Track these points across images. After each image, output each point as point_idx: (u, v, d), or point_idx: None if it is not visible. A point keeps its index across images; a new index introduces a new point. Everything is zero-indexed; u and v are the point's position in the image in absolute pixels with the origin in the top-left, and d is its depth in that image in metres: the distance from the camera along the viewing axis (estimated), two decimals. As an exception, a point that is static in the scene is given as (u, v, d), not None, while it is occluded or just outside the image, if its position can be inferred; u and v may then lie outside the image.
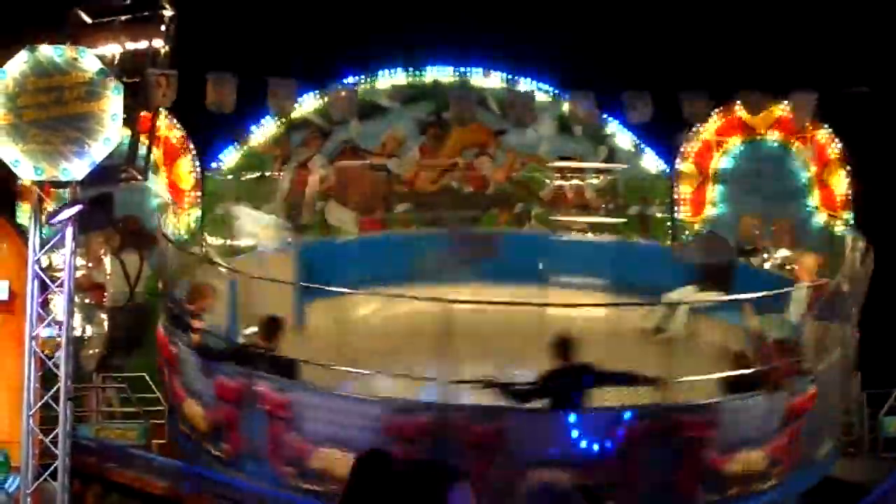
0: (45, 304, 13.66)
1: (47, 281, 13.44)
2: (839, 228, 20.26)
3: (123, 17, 13.83)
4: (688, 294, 18.13)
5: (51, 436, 13.30)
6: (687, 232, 21.37)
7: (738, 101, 20.18)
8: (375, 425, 13.52)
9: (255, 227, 20.00)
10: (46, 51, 13.11)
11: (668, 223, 21.66)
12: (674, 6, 21.54)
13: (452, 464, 5.67)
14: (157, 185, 20.36)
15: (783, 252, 19.78)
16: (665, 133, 21.11)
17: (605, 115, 21.36)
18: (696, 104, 14.25)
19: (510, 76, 21.27)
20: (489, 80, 21.32)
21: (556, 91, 21.13)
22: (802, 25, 20.89)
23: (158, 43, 13.89)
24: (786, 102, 19.73)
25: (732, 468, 14.23)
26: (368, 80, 21.23)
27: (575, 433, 13.63)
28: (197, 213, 20.67)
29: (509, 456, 13.25)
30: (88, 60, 13.10)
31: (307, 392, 14.26)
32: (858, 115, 13.97)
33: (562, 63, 20.44)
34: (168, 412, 16.94)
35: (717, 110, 20.82)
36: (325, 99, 20.99)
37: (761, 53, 20.24)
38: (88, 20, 13.68)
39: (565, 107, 21.08)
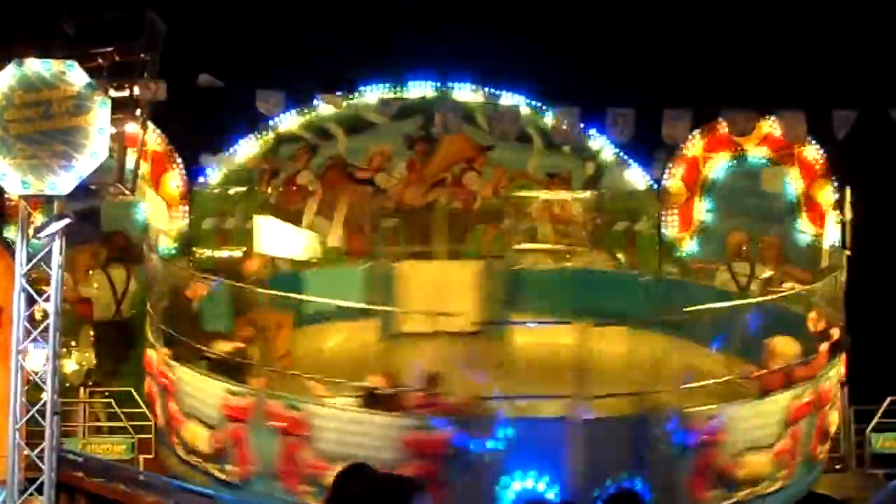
0: (31, 318, 13.61)
1: (34, 295, 13.40)
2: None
3: (112, 31, 13.81)
4: None
5: (37, 450, 13.25)
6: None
7: (723, 120, 20.17)
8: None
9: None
10: (34, 64, 13.08)
11: (656, 239, 21.66)
12: (660, 24, 21.61)
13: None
14: (144, 200, 20.38)
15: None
16: (652, 149, 21.12)
17: (592, 132, 21.41)
18: (677, 124, 14.25)
19: (497, 91, 21.24)
20: (477, 96, 21.29)
21: (542, 106, 21.08)
22: (788, 43, 20.97)
23: (147, 57, 13.87)
24: (772, 119, 19.75)
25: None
26: (356, 94, 21.19)
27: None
28: (184, 227, 20.65)
29: None
30: (76, 74, 13.07)
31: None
32: (846, 132, 14.01)
33: (548, 79, 20.46)
34: (156, 432, 17.12)
35: (703, 127, 20.84)
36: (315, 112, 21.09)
37: (747, 71, 20.30)
38: (76, 34, 13.66)
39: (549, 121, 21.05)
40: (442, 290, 19.73)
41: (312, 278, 20.23)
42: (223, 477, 15.71)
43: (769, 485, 15.22)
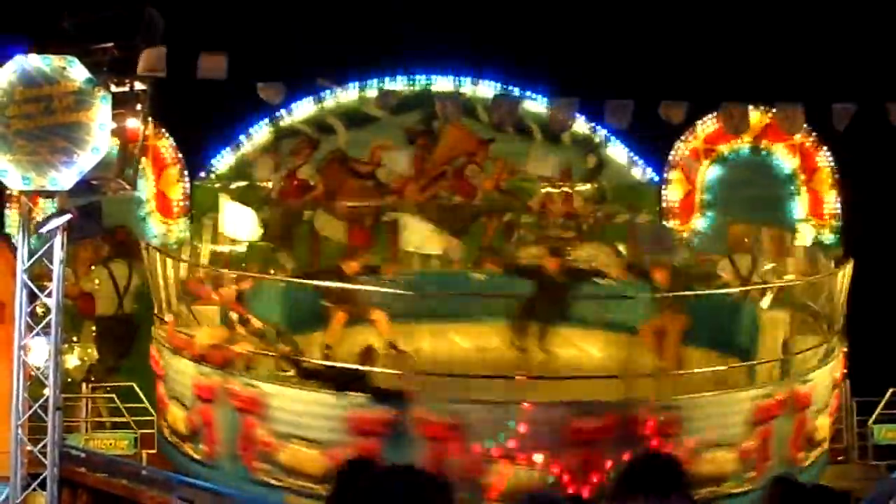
0: (33, 313, 13.63)
1: (36, 291, 13.41)
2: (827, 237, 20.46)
3: (112, 28, 13.80)
4: None
5: (39, 445, 13.28)
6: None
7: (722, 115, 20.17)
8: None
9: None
10: (35, 60, 13.08)
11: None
12: (662, 17, 21.59)
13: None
14: (146, 195, 20.45)
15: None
16: (653, 142, 21.12)
17: (594, 125, 21.41)
18: (674, 111, 14.25)
19: (500, 84, 21.24)
20: (478, 89, 21.29)
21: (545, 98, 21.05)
22: (789, 36, 20.95)
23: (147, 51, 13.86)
24: (773, 111, 19.74)
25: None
26: (357, 88, 21.19)
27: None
28: (186, 221, 20.70)
29: None
30: (76, 70, 13.07)
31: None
32: (846, 125, 14.02)
33: (549, 71, 20.44)
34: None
35: (704, 119, 20.88)
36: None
37: (747, 64, 20.28)
38: (77, 30, 13.65)
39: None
40: None
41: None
42: (197, 456, 16.11)
43: (735, 485, 14.73)
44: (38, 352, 13.44)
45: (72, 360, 18.61)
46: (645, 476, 6.03)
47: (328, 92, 20.97)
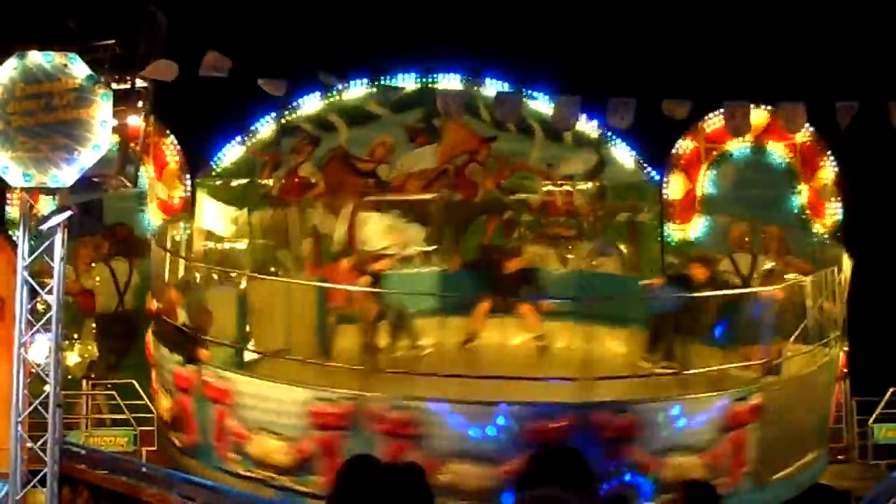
0: (34, 310, 13.63)
1: (36, 287, 13.40)
2: (826, 236, 20.44)
3: (114, 25, 13.79)
4: None
5: (40, 442, 13.27)
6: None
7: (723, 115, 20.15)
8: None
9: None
10: (36, 57, 13.07)
11: (657, 230, 21.61)
12: (664, 16, 21.60)
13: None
14: (147, 191, 20.44)
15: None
16: (654, 140, 21.09)
17: (595, 122, 21.37)
18: (678, 109, 14.25)
19: (500, 82, 21.20)
20: (480, 87, 21.24)
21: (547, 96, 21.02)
22: (791, 34, 20.95)
23: (149, 49, 13.86)
24: (775, 110, 19.72)
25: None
26: (360, 86, 21.17)
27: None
28: (187, 219, 20.68)
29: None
30: (77, 67, 13.06)
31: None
32: (848, 123, 14.01)
33: (551, 69, 20.43)
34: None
35: (705, 118, 20.86)
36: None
37: (749, 62, 20.27)
38: (79, 27, 13.64)
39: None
40: None
41: None
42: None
43: None
44: (39, 349, 13.44)
45: (72, 358, 18.66)
46: (545, 469, 6.00)
47: (330, 89, 20.89)
